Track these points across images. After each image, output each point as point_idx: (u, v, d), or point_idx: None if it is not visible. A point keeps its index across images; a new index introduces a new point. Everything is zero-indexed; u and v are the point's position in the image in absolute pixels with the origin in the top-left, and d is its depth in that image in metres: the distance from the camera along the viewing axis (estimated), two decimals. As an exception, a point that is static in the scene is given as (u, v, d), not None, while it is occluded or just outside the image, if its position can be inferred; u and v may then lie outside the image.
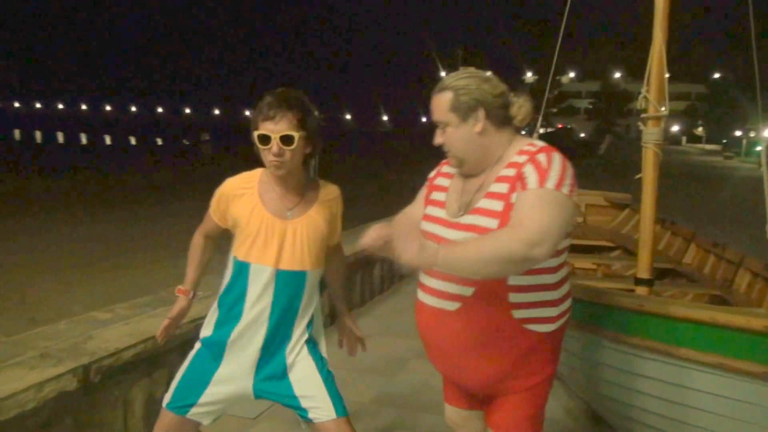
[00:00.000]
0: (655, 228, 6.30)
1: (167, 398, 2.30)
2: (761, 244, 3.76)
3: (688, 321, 2.15)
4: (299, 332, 2.30)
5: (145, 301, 3.81)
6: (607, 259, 5.91)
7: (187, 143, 56.67)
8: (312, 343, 2.34)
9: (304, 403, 2.22)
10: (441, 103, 1.93)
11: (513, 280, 1.83)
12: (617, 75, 72.61)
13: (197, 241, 2.45)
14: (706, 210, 14.54)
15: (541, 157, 1.80)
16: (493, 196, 1.84)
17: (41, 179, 21.59)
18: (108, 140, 58.42)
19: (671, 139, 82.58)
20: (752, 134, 54.12)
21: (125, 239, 11.36)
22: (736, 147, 56.83)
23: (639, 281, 3.72)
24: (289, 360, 2.26)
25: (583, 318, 2.81)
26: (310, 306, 2.32)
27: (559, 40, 4.50)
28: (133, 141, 59.16)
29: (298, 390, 2.23)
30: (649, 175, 3.71)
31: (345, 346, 2.55)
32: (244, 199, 2.25)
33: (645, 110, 3.76)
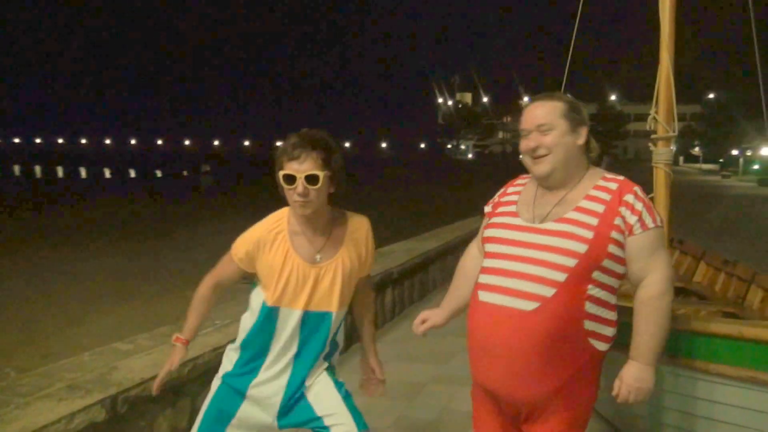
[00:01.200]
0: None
1: (197, 425, 2.36)
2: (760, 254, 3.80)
3: (712, 335, 2.18)
4: (319, 362, 2.33)
5: (164, 330, 3.83)
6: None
7: (186, 174, 56.93)
8: (330, 369, 2.37)
9: (326, 422, 2.25)
10: (552, 108, 2.05)
11: (592, 291, 1.93)
12: (612, 97, 73.40)
13: (205, 291, 2.41)
14: (709, 227, 14.60)
15: (632, 198, 2.00)
16: (585, 212, 1.97)
17: (40, 215, 21.61)
18: (107, 173, 58.71)
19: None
20: (749, 153, 54.45)
21: (129, 273, 11.35)
22: (733, 166, 57.10)
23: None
24: (308, 383, 2.30)
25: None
26: (334, 342, 2.36)
27: (567, 64, 4.58)
28: (132, 174, 59.44)
29: (318, 410, 2.26)
30: (661, 194, 3.77)
31: (364, 387, 2.52)
32: (276, 245, 2.26)
33: (654, 131, 3.83)
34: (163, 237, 15.98)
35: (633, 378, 1.95)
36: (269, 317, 2.26)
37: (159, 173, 59.79)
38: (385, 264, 6.48)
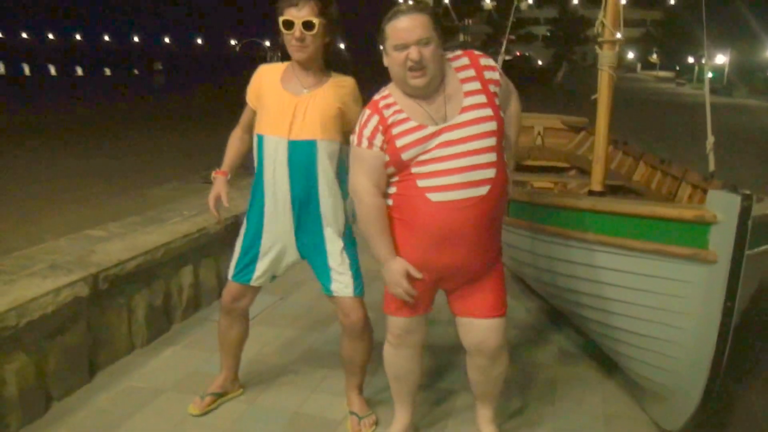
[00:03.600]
0: (608, 148, 6.72)
1: (231, 272, 2.74)
2: (704, 159, 4.16)
3: (627, 215, 2.54)
4: (331, 216, 2.59)
5: (135, 220, 4.02)
6: (563, 178, 6.30)
7: (138, 73, 54.83)
8: (349, 238, 2.68)
9: (332, 275, 2.61)
10: (423, 21, 2.13)
11: (506, 155, 2.30)
12: (575, 1, 72.29)
13: (236, 132, 2.74)
14: (656, 132, 15.15)
15: (483, 59, 2.29)
16: (472, 94, 2.21)
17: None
18: (53, 71, 56.04)
19: (627, 67, 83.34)
20: (704, 61, 55.08)
21: (85, 173, 11.26)
22: (688, 74, 57.85)
23: (592, 194, 4.10)
24: (327, 233, 2.61)
25: (533, 218, 3.22)
26: (329, 179, 2.55)
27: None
28: (79, 71, 56.86)
29: (331, 261, 2.62)
30: (603, 95, 4.02)
31: None
32: (269, 81, 2.56)
33: (601, 35, 4.03)
34: (119, 139, 15.71)
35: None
36: (259, 146, 2.57)
37: (108, 71, 57.33)
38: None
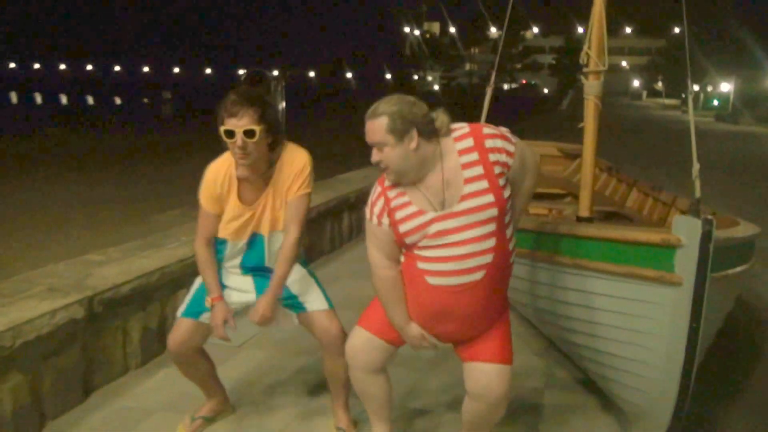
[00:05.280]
0: (602, 175, 6.81)
1: (181, 309, 2.77)
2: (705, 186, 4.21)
3: (600, 239, 2.64)
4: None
5: (134, 245, 4.13)
6: (559, 204, 6.39)
7: (147, 102, 55.62)
8: (302, 261, 2.83)
9: (301, 299, 2.73)
10: (378, 126, 2.19)
11: (508, 231, 2.30)
12: (580, 30, 72.98)
13: (202, 252, 2.70)
14: (659, 158, 15.24)
15: (490, 141, 2.22)
16: (473, 180, 2.19)
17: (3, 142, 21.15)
18: (64, 100, 56.96)
19: (633, 94, 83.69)
20: (709, 88, 55.32)
21: (92, 200, 11.44)
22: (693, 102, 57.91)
23: (580, 219, 4.18)
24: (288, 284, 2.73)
25: (530, 246, 3.30)
26: (274, 253, 2.72)
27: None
28: (90, 101, 57.76)
29: (294, 290, 2.75)
30: (590, 123, 4.12)
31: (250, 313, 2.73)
32: (224, 186, 2.63)
33: (587, 65, 4.14)
34: (126, 167, 15.95)
35: None
36: (220, 245, 2.73)
37: (118, 100, 58.23)
38: (341, 190, 6.83)
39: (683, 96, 64.62)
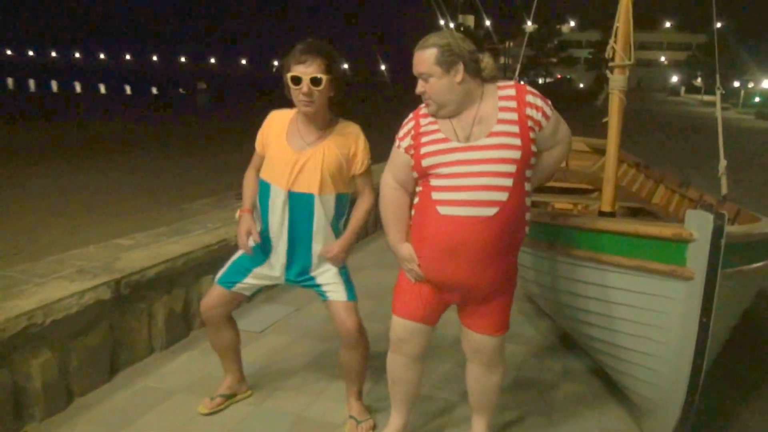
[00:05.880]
0: (630, 171, 6.74)
1: (219, 276, 2.88)
2: (736, 184, 4.16)
3: (613, 233, 2.64)
4: (321, 249, 2.77)
5: (161, 231, 4.26)
6: (585, 200, 6.35)
7: (183, 92, 56.44)
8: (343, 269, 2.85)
9: (324, 288, 2.80)
10: (426, 57, 2.29)
11: (527, 186, 2.34)
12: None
13: (249, 174, 2.88)
14: (694, 155, 14.96)
15: (531, 97, 2.32)
16: (506, 122, 2.28)
17: (45, 128, 21.73)
18: (103, 89, 58.14)
19: (671, 90, 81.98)
20: (750, 85, 53.89)
21: (128, 187, 11.71)
22: (733, 98, 56.63)
23: (602, 214, 4.17)
24: (314, 264, 2.80)
25: (547, 238, 3.31)
26: (322, 227, 2.75)
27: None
28: (128, 90, 58.85)
29: (319, 280, 2.82)
30: (614, 118, 4.10)
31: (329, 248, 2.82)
32: (276, 129, 2.73)
33: (612, 59, 4.12)
34: (162, 156, 16.26)
35: None
36: (263, 190, 2.75)
37: (155, 90, 59.21)
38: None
39: (722, 92, 62.90)
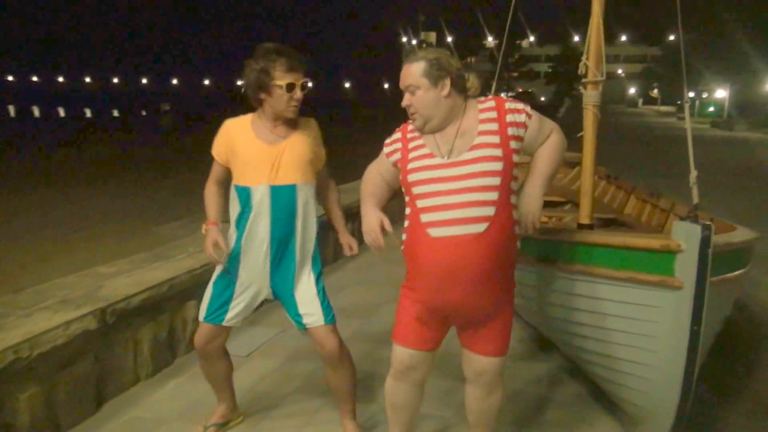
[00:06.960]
0: (601, 183, 6.89)
1: (202, 314, 2.83)
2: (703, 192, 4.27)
3: (602, 246, 2.71)
4: (301, 254, 2.78)
5: (142, 257, 4.20)
6: (558, 212, 6.46)
7: (145, 114, 55.75)
8: (316, 269, 2.85)
9: (300, 309, 2.78)
10: (414, 69, 2.34)
11: (512, 199, 2.34)
12: (576, 38, 73.44)
13: (210, 187, 2.87)
14: (656, 164, 15.34)
15: (510, 103, 2.40)
16: (486, 133, 2.32)
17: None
18: (61, 113, 57.00)
19: (629, 102, 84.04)
20: (704, 95, 55.51)
21: (95, 213, 11.49)
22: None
23: (581, 226, 4.25)
24: (297, 270, 2.79)
25: (534, 253, 3.36)
26: (305, 218, 2.77)
27: (513, 3, 4.91)
28: (88, 113, 57.82)
29: (301, 308, 2.78)
30: (588, 132, 4.20)
31: (344, 247, 2.97)
32: (240, 132, 2.75)
33: (586, 76, 4.23)
34: (128, 179, 16.01)
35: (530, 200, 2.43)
36: (242, 197, 2.73)
37: (116, 113, 58.31)
38: (344, 200, 6.86)
39: (678, 103, 64.87)
